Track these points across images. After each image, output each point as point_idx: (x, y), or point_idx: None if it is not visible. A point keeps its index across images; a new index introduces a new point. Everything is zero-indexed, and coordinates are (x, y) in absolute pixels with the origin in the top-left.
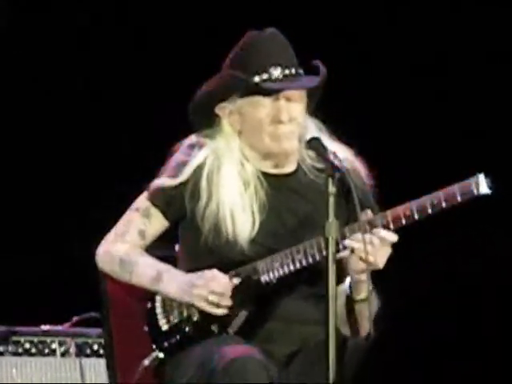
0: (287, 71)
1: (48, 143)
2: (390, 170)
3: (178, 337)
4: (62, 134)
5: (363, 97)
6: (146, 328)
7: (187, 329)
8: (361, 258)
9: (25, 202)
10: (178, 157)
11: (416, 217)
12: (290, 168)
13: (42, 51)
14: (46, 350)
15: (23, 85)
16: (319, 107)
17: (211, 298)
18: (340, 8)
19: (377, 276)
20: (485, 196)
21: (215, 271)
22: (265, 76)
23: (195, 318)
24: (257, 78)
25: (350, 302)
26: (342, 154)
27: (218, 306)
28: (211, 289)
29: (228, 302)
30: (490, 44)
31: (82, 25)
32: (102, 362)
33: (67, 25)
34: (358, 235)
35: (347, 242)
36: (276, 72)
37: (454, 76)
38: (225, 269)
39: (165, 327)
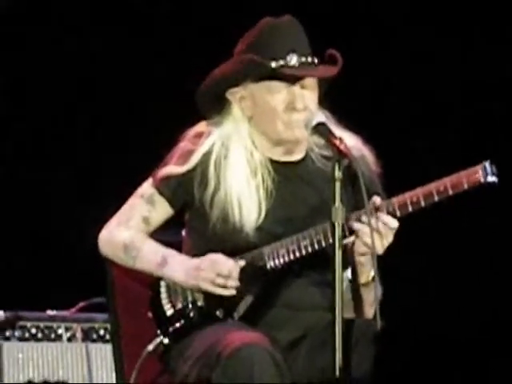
0: (303, 59)
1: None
2: (397, 158)
3: (182, 322)
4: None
5: (367, 85)
6: (150, 314)
7: (192, 314)
8: (364, 242)
9: (28, 185)
10: (184, 145)
11: (422, 204)
12: (298, 156)
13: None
14: (52, 335)
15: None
16: (327, 96)
17: (218, 280)
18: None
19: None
20: (491, 184)
21: (220, 255)
22: (282, 62)
23: (200, 303)
24: (274, 64)
25: (352, 286)
26: (349, 141)
27: (224, 287)
28: (217, 271)
29: (235, 283)
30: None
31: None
32: (108, 347)
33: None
34: (365, 218)
35: (354, 224)
36: (293, 59)
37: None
38: (231, 256)
39: (169, 312)
